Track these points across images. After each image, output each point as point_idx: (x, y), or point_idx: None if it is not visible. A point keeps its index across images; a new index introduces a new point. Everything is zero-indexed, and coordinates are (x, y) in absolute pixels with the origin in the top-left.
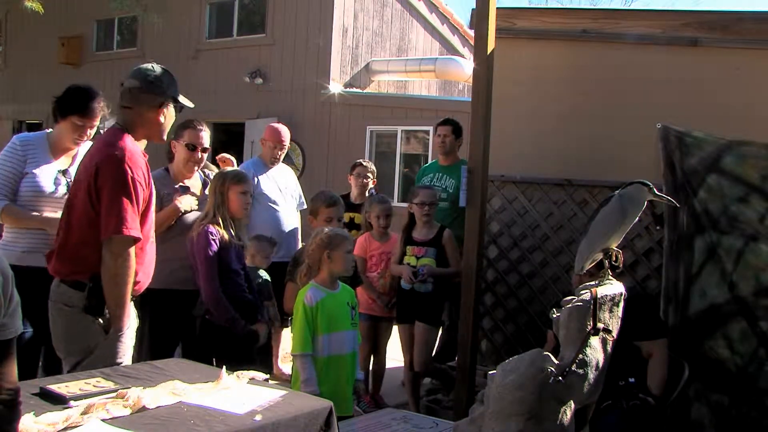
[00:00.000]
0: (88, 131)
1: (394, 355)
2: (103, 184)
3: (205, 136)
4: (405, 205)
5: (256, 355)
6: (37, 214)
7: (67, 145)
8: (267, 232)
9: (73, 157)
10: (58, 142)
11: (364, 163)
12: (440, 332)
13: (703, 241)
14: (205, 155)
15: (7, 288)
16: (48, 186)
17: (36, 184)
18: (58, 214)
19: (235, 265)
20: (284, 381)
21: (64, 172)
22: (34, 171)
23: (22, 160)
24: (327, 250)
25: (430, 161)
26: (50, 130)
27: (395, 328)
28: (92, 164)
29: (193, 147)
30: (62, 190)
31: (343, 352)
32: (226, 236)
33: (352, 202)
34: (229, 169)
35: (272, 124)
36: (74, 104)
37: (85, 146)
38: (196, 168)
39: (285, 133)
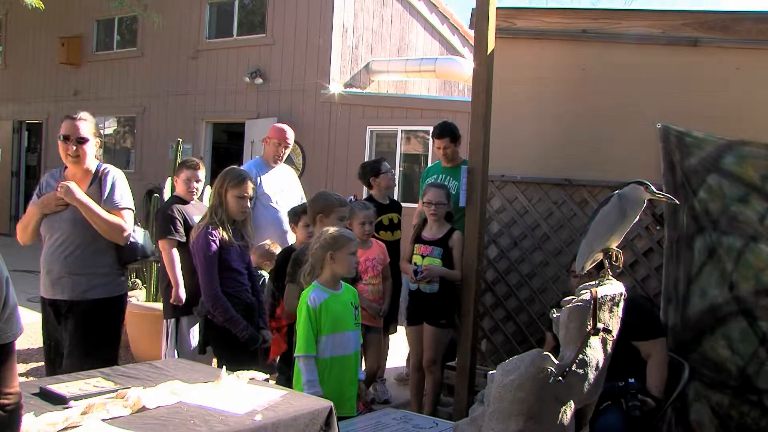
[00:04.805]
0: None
1: (395, 355)
2: None
3: (82, 126)
4: (406, 205)
5: (258, 356)
6: None
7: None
8: (270, 232)
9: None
10: None
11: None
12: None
13: (703, 241)
14: (88, 146)
15: (1, 291)
16: None
17: None
18: None
19: (237, 265)
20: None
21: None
22: None
23: None
24: (330, 251)
25: (430, 162)
26: None
27: (401, 330)
28: None
29: (64, 138)
30: None
31: (346, 352)
32: (227, 237)
33: (380, 203)
34: (231, 168)
35: (277, 124)
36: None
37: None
38: (73, 161)
39: (290, 132)
